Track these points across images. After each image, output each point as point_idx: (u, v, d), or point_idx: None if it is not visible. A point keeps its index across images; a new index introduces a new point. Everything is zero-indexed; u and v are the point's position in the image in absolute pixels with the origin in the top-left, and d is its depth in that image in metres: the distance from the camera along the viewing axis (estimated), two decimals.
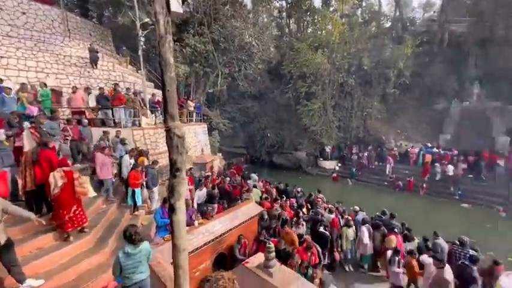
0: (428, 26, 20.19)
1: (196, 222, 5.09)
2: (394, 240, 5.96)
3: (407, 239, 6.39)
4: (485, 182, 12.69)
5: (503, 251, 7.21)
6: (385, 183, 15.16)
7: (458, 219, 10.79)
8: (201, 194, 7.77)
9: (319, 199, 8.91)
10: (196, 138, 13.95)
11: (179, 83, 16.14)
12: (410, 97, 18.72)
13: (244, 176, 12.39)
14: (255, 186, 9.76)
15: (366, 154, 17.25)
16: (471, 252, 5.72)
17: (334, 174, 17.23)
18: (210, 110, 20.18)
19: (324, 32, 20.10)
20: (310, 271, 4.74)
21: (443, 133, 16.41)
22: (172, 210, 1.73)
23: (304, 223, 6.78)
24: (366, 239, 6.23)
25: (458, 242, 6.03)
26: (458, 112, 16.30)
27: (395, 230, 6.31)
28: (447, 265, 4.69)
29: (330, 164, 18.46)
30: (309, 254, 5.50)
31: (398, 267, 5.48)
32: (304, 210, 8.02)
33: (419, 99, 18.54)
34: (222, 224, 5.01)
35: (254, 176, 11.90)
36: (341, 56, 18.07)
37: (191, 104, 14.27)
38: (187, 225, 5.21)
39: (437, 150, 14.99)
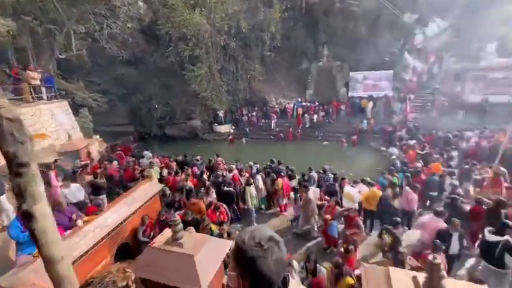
0: None
1: (79, 222, 4.23)
2: (280, 182, 7.30)
3: (291, 178, 7.95)
4: (337, 123, 17.22)
5: (348, 170, 10.32)
6: (272, 137, 17.68)
7: (322, 154, 14.35)
8: (75, 188, 6.31)
9: (219, 162, 9.34)
10: (55, 121, 10.78)
11: (3, 44, 11.28)
12: (282, 58, 21.41)
13: (135, 155, 11.03)
14: (151, 164, 8.96)
15: (254, 114, 19.09)
16: (330, 175, 7.89)
17: (230, 137, 18.28)
18: (69, 82, 15.67)
19: None
20: (216, 230, 5.14)
21: (308, 89, 20.28)
22: (28, 217, 1.31)
23: (213, 190, 7.00)
24: (260, 184, 7.33)
25: (322, 171, 8.10)
26: (316, 71, 20.32)
27: (282, 173, 7.68)
28: (311, 188, 6.35)
29: (224, 128, 19.27)
30: (218, 213, 5.89)
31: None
32: (205, 176, 8.25)
33: (289, 61, 21.58)
34: (117, 213, 4.41)
35: (147, 153, 10.84)
36: (220, 17, 17.70)
37: (33, 75, 10.49)
38: (68, 229, 4.25)
39: (305, 104, 18.59)
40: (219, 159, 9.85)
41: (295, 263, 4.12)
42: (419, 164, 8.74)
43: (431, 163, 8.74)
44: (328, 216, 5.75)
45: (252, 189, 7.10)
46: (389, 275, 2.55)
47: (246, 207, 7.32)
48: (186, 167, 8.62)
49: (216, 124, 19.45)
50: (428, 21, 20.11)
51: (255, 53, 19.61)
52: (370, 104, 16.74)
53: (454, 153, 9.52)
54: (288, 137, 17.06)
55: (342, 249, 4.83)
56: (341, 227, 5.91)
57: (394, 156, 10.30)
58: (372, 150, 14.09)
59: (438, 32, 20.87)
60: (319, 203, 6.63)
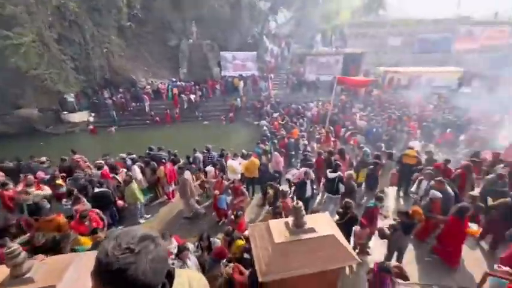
0: None
1: None
2: (162, 170, 6.84)
3: (175, 162, 7.58)
4: (213, 102, 17.67)
5: (230, 145, 11.00)
6: (147, 121, 15.88)
7: (204, 133, 14.54)
8: None
9: (78, 160, 7.44)
10: None
11: None
12: (147, 32, 18.90)
13: None
14: None
15: (120, 96, 16.17)
16: (214, 153, 8.18)
17: (91, 127, 14.79)
18: None
19: None
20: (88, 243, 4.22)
21: (181, 68, 19.30)
22: None
23: (84, 198, 5.45)
24: (139, 175, 6.63)
25: (206, 150, 8.25)
26: (187, 48, 19.47)
27: (163, 160, 7.16)
28: (187, 171, 6.33)
29: (80, 117, 15.29)
30: (87, 222, 4.79)
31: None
32: (60, 181, 6.36)
33: (156, 35, 19.40)
34: None
35: None
36: None
37: None
38: None
39: (180, 83, 17.70)
40: (77, 156, 7.82)
41: (190, 245, 4.12)
42: (283, 132, 10.75)
43: (291, 130, 10.93)
44: (216, 192, 6.05)
45: (134, 186, 6.20)
46: (269, 226, 3.06)
47: (126, 206, 6.38)
48: (24, 175, 6.27)
49: (65, 112, 15.01)
50: (277, 10, 23.67)
51: (109, 20, 16.05)
52: (241, 82, 18.29)
53: (302, 121, 12.38)
54: (165, 119, 15.90)
55: (232, 217, 5.29)
56: (229, 198, 6.41)
57: (264, 128, 12.01)
58: (247, 125, 15.77)
59: (285, 21, 25.18)
60: (214, 180, 6.81)
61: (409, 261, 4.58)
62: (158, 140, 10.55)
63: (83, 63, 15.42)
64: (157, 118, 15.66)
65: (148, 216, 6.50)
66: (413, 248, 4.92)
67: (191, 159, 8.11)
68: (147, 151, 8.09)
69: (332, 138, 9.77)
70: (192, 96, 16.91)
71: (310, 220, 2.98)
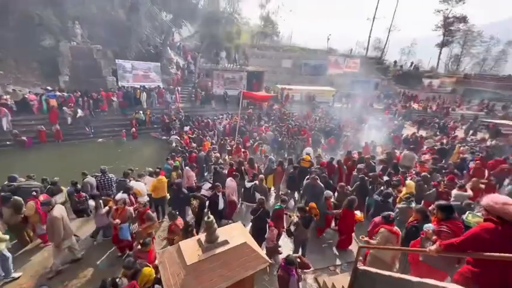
0: None
1: None
2: (32, 206, 5.23)
3: (53, 193, 5.99)
4: (110, 116, 15.20)
5: (133, 164, 9.68)
6: (8, 142, 11.90)
7: (99, 153, 12.24)
8: None
9: None
10: None
11: None
12: (5, 26, 14.47)
13: None
14: None
15: None
16: (111, 175, 7.00)
17: None
18: None
19: None
20: None
21: (61, 74, 15.74)
22: None
23: None
24: None
25: (101, 172, 6.95)
26: (69, 52, 16.11)
27: (34, 193, 5.48)
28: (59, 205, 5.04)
29: None
30: None
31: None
32: None
33: (20, 32, 15.13)
34: None
35: None
36: None
37: None
38: None
39: (60, 94, 14.31)
40: None
41: None
42: (194, 145, 10.46)
43: (202, 143, 10.78)
44: (117, 221, 5.09)
45: None
46: (180, 248, 2.85)
47: None
48: None
49: None
50: (180, 23, 23.40)
51: None
52: (144, 94, 16.70)
53: (212, 133, 12.51)
54: (40, 138, 12.41)
55: (139, 247, 4.61)
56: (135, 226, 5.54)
57: (174, 143, 11.33)
58: (153, 141, 14.44)
59: (190, 35, 25.17)
60: (131, 208, 5.55)
61: (311, 251, 5.32)
62: (27, 167, 8.05)
63: None
64: (25, 138, 11.97)
65: (17, 275, 4.75)
66: (313, 239, 5.76)
67: (79, 186, 6.59)
68: (6, 183, 5.95)
69: (242, 149, 10.30)
70: (79, 110, 14.01)
71: (223, 232, 2.99)
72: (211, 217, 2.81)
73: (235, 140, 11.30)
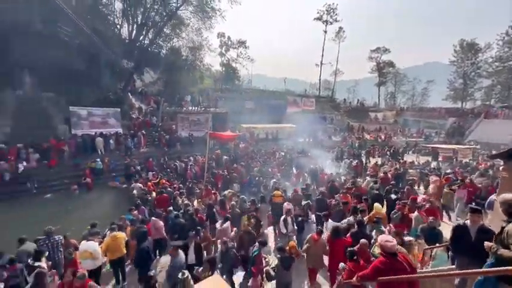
0: None
1: None
2: None
3: None
4: (59, 168, 13.58)
5: (87, 220, 8.48)
6: None
7: (45, 210, 10.52)
8: None
9: None
10: None
11: None
12: None
13: None
14: None
15: None
16: (58, 237, 5.96)
17: None
18: None
19: None
20: None
21: (1, 126, 14.05)
22: None
23: None
24: None
25: (45, 235, 5.89)
26: (14, 101, 14.76)
27: None
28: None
29: None
30: None
31: None
32: None
33: None
34: None
35: None
36: None
37: None
38: None
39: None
40: None
41: None
42: (153, 195, 9.71)
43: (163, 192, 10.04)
44: None
45: None
46: None
47: None
48: None
49: None
50: (143, 70, 23.71)
51: None
52: (102, 141, 15.63)
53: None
54: None
55: None
56: None
57: (134, 191, 10.40)
58: (112, 190, 13.11)
59: (153, 81, 25.44)
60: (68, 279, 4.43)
61: None
62: None
63: None
64: None
65: None
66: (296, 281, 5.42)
67: (15, 256, 5.42)
68: None
69: (212, 191, 9.90)
70: (22, 164, 12.32)
71: None
72: (186, 273, 2.51)
73: (203, 182, 10.90)
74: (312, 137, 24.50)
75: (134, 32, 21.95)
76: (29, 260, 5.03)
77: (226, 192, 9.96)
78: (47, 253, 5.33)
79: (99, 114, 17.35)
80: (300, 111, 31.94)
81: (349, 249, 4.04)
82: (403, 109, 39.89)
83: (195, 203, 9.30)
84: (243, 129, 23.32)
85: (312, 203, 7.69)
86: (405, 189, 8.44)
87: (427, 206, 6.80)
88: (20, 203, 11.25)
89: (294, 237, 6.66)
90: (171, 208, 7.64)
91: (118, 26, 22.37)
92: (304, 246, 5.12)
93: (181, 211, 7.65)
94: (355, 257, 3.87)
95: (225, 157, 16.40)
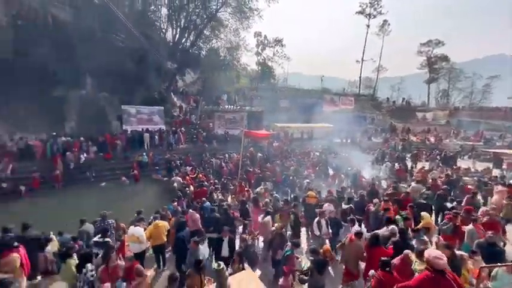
0: None
1: None
2: (16, 259, 4.71)
3: (44, 245, 5.71)
4: (113, 159, 15.26)
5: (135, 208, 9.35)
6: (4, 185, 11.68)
7: (101, 197, 11.94)
8: None
9: None
10: None
11: None
12: (18, 79, 15.44)
13: None
14: None
15: None
16: (111, 221, 6.72)
17: None
18: None
19: None
20: None
21: (68, 121, 16.30)
22: None
23: None
24: None
25: (101, 217, 6.68)
26: (77, 100, 16.99)
27: (15, 244, 5.01)
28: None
29: None
30: None
31: None
32: None
33: (32, 84, 16.06)
34: None
35: None
36: None
37: None
38: None
39: (65, 139, 14.62)
40: None
41: None
42: (191, 188, 10.27)
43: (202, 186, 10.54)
44: (107, 285, 4.28)
45: None
46: None
47: None
48: None
49: None
50: (184, 71, 25.20)
51: None
52: (148, 136, 17.08)
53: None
54: (33, 184, 12.19)
55: None
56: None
57: (175, 184, 11.14)
58: (155, 182, 14.23)
59: (193, 81, 26.88)
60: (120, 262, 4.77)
61: None
62: (28, 216, 7.73)
63: None
64: (22, 187, 11.74)
65: None
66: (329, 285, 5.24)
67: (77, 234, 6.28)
68: (1, 234, 5.61)
69: (246, 188, 10.10)
70: (83, 155, 14.14)
71: (234, 281, 2.75)
72: (222, 264, 2.61)
73: (237, 178, 11.17)
74: (349, 138, 23.30)
75: (177, 35, 23.44)
76: (97, 237, 5.81)
77: (258, 189, 10.08)
78: (109, 232, 6.05)
79: (146, 112, 18.96)
80: (338, 110, 30.64)
81: (383, 258, 3.76)
82: (458, 108, 35.40)
83: (229, 198, 9.60)
84: (278, 128, 23.25)
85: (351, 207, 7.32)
86: (465, 198, 7.52)
87: (485, 219, 5.97)
88: (80, 189, 12.93)
89: (327, 241, 6.44)
90: (204, 199, 8.04)
91: (163, 31, 24.14)
92: (339, 244, 4.93)
93: (216, 205, 7.98)
94: (388, 268, 3.59)
95: (260, 155, 16.57)
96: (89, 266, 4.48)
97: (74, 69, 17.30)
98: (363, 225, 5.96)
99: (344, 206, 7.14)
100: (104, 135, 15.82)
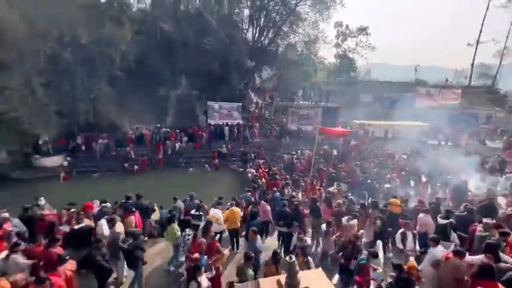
0: (143, 17, 21.85)
1: None
2: (132, 220, 6.25)
3: (150, 213, 7.12)
4: (199, 149, 17.64)
5: (216, 193, 10.54)
6: (126, 165, 15.23)
7: (189, 181, 14.07)
8: None
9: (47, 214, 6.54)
10: None
11: None
12: (137, 82, 19.66)
13: None
14: None
15: (101, 141, 15.77)
16: (196, 201, 7.78)
17: (63, 174, 13.79)
18: None
19: None
20: None
21: (167, 115, 19.74)
22: None
23: None
24: (105, 231, 5.59)
25: (189, 197, 7.85)
26: (174, 98, 20.31)
27: (133, 209, 6.59)
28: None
29: (53, 161, 14.39)
30: None
31: None
32: None
33: (146, 86, 20.18)
34: None
35: None
36: (46, 16, 13.62)
37: None
38: None
39: (166, 130, 17.81)
40: (43, 202, 7.02)
41: None
42: (263, 180, 10.65)
43: (275, 179, 10.82)
44: (196, 255, 4.79)
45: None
46: (259, 285, 2.75)
47: None
48: None
49: (37, 156, 14.12)
50: (262, 68, 26.21)
51: (101, 71, 16.65)
52: (227, 129, 18.83)
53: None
54: (142, 165, 15.36)
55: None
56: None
57: (249, 175, 11.89)
58: (232, 172, 15.60)
59: (269, 77, 27.67)
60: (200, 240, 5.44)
61: None
62: (139, 187, 9.93)
63: (68, 107, 15.24)
64: (135, 166, 15.03)
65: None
66: None
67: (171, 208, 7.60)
68: (124, 200, 7.44)
69: (317, 186, 9.79)
70: (178, 144, 16.90)
71: (304, 278, 2.73)
72: (293, 257, 2.64)
73: (309, 176, 10.94)
74: (451, 140, 19.05)
75: (257, 34, 24.55)
76: (193, 211, 7.13)
77: (331, 188, 9.59)
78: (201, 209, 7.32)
79: (227, 107, 20.87)
80: (436, 106, 25.44)
81: None
82: None
83: (299, 195, 9.54)
84: (356, 125, 21.31)
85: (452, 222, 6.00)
86: None
87: None
88: (174, 172, 15.54)
89: (412, 258, 5.53)
90: (275, 189, 8.29)
91: (244, 31, 25.74)
92: (432, 261, 4.13)
93: (286, 200, 8.08)
94: None
95: (334, 153, 15.68)
96: (187, 230, 5.49)
97: (173, 73, 20.69)
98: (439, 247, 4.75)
99: (441, 221, 5.88)
100: (193, 128, 18.41)
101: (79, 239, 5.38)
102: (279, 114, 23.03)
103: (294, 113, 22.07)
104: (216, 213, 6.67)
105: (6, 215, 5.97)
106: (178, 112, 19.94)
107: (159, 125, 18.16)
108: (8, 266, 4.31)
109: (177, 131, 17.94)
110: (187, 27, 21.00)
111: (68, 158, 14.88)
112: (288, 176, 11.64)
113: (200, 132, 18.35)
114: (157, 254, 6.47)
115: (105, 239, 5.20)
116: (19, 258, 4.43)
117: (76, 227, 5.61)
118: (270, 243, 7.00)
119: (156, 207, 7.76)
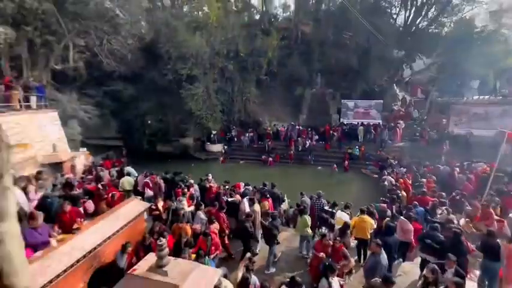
0: (287, 24, 24.05)
1: (54, 242, 3.85)
2: (266, 205, 7.13)
3: (280, 202, 7.83)
4: (329, 149, 17.38)
5: (340, 196, 10.12)
6: (263, 156, 17.56)
7: (316, 178, 14.27)
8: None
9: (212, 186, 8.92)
10: (42, 131, 10.38)
11: None
12: (278, 83, 22.06)
13: (122, 170, 10.53)
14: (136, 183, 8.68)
15: (248, 135, 19.14)
16: (324, 200, 7.72)
17: (221, 158, 18.13)
18: (62, 93, 15.39)
19: (200, 13, 19.65)
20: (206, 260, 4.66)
21: (301, 113, 20.72)
22: None
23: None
24: (247, 208, 6.75)
25: (316, 196, 7.94)
26: (309, 97, 20.95)
27: (267, 195, 7.51)
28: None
29: (217, 148, 19.12)
30: (208, 243, 5.27)
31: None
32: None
33: (284, 86, 22.23)
34: (96, 234, 4.06)
35: (131, 170, 10.22)
36: (219, 40, 18.34)
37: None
38: (42, 248, 3.83)
39: (298, 127, 18.85)
40: (210, 177, 9.52)
41: None
42: (403, 193, 8.77)
43: (423, 194, 8.68)
44: (322, 254, 4.89)
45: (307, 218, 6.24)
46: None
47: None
48: (179, 188, 8.17)
49: (208, 143, 19.30)
50: (414, 57, 21.53)
51: (252, 76, 20.13)
52: (362, 130, 17.17)
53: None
54: (276, 158, 17.02)
55: None
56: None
57: (386, 183, 10.28)
58: (364, 177, 14.14)
59: (424, 68, 22.31)
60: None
61: None
62: (272, 177, 11.25)
63: (228, 107, 19.78)
64: (270, 159, 16.94)
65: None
66: None
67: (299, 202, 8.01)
68: (261, 186, 8.71)
69: (496, 217, 6.90)
70: (308, 141, 17.43)
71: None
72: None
73: (482, 198, 7.89)
74: None
75: (411, 16, 20.35)
76: (327, 207, 7.38)
77: None
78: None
79: (363, 105, 19.03)
80: None
81: None
82: None
83: (462, 221, 7.10)
84: None
85: None
86: None
87: None
88: (302, 168, 16.21)
89: None
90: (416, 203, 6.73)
91: (393, 16, 22.08)
92: None
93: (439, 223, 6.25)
94: None
95: None
96: (324, 228, 5.79)
97: (309, 71, 21.40)
98: None
99: None
100: (325, 126, 18.25)
101: (232, 209, 7.06)
102: (435, 113, 18.13)
103: (460, 112, 16.57)
104: (342, 215, 6.36)
105: (191, 181, 8.70)
106: (312, 110, 20.46)
107: (293, 123, 19.51)
108: (192, 218, 6.33)
109: (309, 129, 18.47)
110: (326, 26, 20.92)
111: (225, 147, 19.28)
112: (443, 194, 8.98)
113: (332, 132, 17.90)
114: (283, 240, 7.08)
115: (244, 212, 6.45)
116: (201, 215, 6.34)
117: (230, 199, 7.28)
118: (410, 268, 5.77)
119: (285, 198, 8.49)
